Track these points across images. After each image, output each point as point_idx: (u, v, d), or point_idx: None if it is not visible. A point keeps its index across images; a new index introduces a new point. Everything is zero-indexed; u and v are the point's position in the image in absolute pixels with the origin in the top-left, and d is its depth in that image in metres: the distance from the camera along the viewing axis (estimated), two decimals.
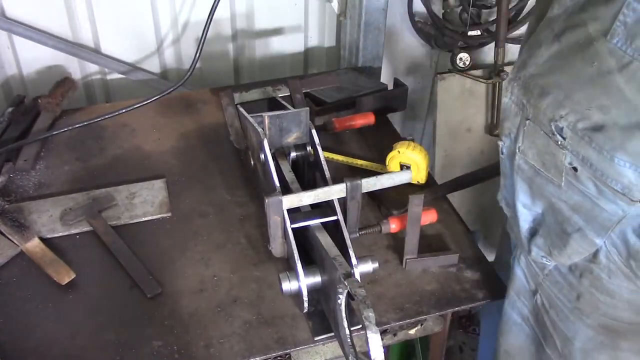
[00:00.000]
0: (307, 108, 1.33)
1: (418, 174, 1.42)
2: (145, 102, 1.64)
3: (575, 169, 0.90)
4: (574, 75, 0.88)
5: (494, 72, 2.06)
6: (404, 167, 1.41)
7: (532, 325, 1.14)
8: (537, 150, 0.96)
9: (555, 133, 0.91)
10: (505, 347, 1.23)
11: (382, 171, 1.44)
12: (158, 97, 1.64)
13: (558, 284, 1.04)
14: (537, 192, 1.01)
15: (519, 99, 0.97)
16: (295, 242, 1.17)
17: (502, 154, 1.05)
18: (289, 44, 2.07)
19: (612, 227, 0.91)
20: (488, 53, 2.15)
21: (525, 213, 1.04)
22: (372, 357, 0.94)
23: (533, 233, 1.05)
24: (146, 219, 1.39)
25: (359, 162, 1.52)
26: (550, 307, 1.07)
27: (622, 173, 0.84)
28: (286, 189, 1.25)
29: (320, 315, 1.17)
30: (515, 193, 1.04)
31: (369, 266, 1.15)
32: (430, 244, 1.33)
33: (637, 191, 0.84)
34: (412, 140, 1.43)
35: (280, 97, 1.63)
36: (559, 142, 0.91)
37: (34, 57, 1.84)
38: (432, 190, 1.45)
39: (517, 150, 1.00)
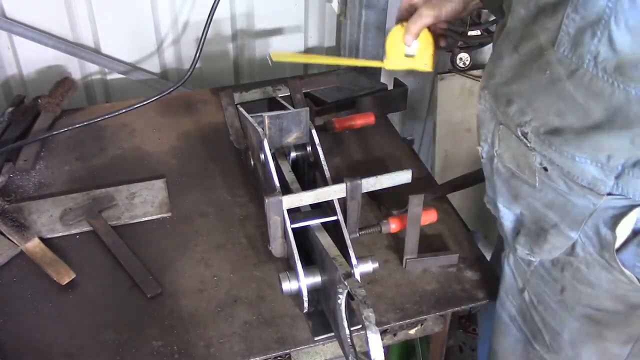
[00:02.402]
0: (307, 108, 1.32)
1: (423, 55, 1.27)
2: (145, 102, 1.64)
3: (545, 168, 0.95)
4: (532, 84, 0.93)
5: None
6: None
7: (519, 325, 1.17)
8: (512, 153, 1.01)
9: (522, 137, 0.97)
10: (494, 347, 1.25)
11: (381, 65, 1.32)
12: (158, 97, 1.64)
13: (543, 279, 1.07)
14: (515, 192, 1.06)
15: (491, 106, 1.03)
16: (295, 242, 1.17)
17: (483, 158, 1.10)
18: (289, 44, 2.07)
19: (585, 220, 0.95)
20: (488, 53, 2.15)
21: (507, 213, 1.09)
22: (372, 357, 0.94)
23: (516, 232, 1.09)
24: (146, 219, 1.39)
25: (353, 62, 1.40)
26: (539, 302, 1.10)
27: (585, 169, 0.90)
28: (286, 189, 1.25)
29: (320, 315, 1.17)
30: (497, 194, 1.09)
31: (369, 266, 1.15)
32: (430, 244, 1.33)
33: (602, 185, 0.90)
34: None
35: (280, 97, 1.63)
36: (528, 145, 0.96)
37: (34, 57, 1.84)
38: (432, 190, 1.45)
39: (494, 154, 1.05)
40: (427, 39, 1.26)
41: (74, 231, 1.35)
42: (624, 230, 0.92)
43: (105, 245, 1.31)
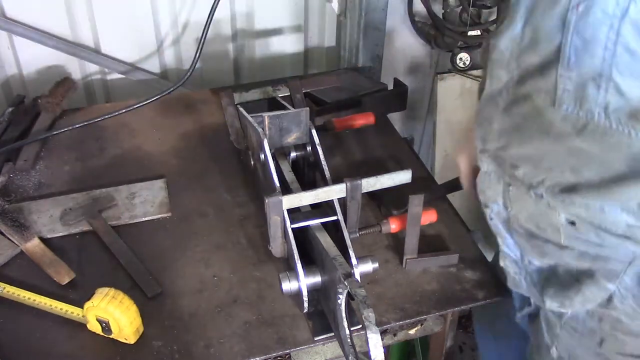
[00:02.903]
0: (307, 108, 1.32)
1: (120, 332, 1.11)
2: (145, 102, 1.64)
3: (573, 222, 0.91)
4: (536, 145, 0.90)
5: None
6: (102, 323, 1.10)
7: None
8: (529, 213, 0.97)
9: (538, 197, 0.93)
10: None
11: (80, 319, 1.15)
12: (158, 97, 1.64)
13: (577, 332, 1.03)
14: (540, 251, 1.01)
15: (496, 168, 0.99)
16: (295, 242, 1.17)
17: (491, 219, 1.06)
18: (289, 44, 2.07)
19: (624, 270, 0.91)
20: None
21: (533, 267, 1.05)
22: (372, 357, 0.94)
23: (544, 285, 1.05)
24: (146, 219, 1.39)
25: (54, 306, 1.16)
26: (570, 357, 1.06)
27: (618, 219, 0.85)
28: (286, 189, 1.25)
29: (320, 315, 1.17)
30: (520, 251, 1.06)
31: (369, 266, 1.15)
32: (430, 244, 1.33)
33: (638, 231, 0.85)
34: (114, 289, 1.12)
35: (280, 97, 1.63)
36: (549, 204, 0.92)
37: (34, 57, 1.84)
38: (432, 190, 1.45)
39: (508, 216, 1.01)
40: None
41: (74, 231, 1.35)
42: None
43: (105, 245, 1.31)
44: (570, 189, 0.88)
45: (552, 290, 1.02)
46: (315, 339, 1.15)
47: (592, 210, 0.87)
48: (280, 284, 1.13)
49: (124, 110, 1.63)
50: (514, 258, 1.09)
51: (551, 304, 1.03)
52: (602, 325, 0.98)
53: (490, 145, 0.99)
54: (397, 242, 1.33)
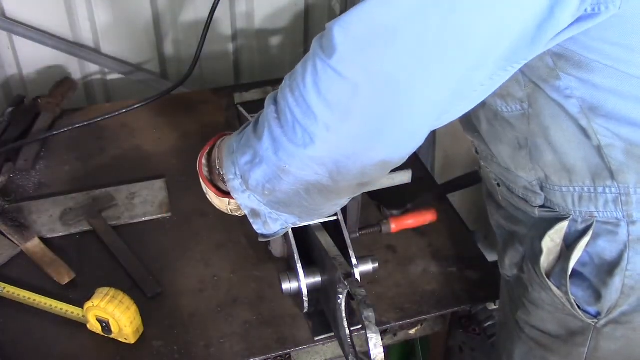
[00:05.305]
0: None
1: (120, 332, 1.11)
2: (145, 102, 1.64)
3: (498, 184, 1.03)
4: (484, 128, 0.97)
5: None
6: (102, 323, 1.10)
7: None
8: (492, 176, 1.06)
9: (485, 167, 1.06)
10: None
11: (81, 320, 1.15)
12: (158, 97, 1.64)
13: (509, 296, 1.07)
14: (490, 212, 1.12)
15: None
16: (295, 242, 1.17)
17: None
18: (289, 44, 2.07)
19: (527, 234, 0.98)
20: None
21: (498, 231, 1.11)
22: (372, 357, 0.94)
23: (505, 247, 1.09)
24: (146, 219, 1.39)
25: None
26: (502, 321, 1.11)
27: (517, 180, 0.96)
28: None
29: (320, 315, 1.17)
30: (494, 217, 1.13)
31: (369, 266, 1.15)
32: (430, 244, 1.33)
33: (533, 197, 0.94)
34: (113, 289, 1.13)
35: None
36: (487, 167, 1.06)
37: (34, 57, 1.83)
38: (432, 190, 1.45)
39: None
40: None
41: (74, 231, 1.35)
42: (552, 245, 0.91)
43: (105, 245, 1.31)
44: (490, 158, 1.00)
45: (501, 252, 1.08)
46: (315, 339, 1.15)
47: (502, 168, 0.96)
48: (280, 284, 1.13)
49: (124, 110, 1.62)
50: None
51: (501, 267, 1.10)
52: (518, 290, 1.02)
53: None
54: (397, 242, 1.33)
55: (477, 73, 0.71)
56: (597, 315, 0.91)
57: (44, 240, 1.32)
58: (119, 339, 1.12)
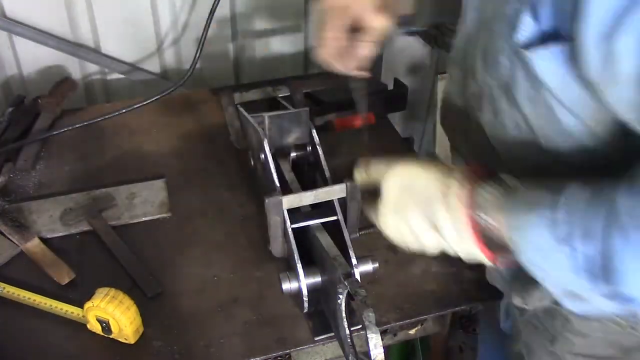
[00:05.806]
0: (307, 108, 1.33)
1: (120, 332, 1.11)
2: (145, 102, 1.64)
3: None
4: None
5: None
6: (102, 323, 1.10)
7: None
8: None
9: None
10: None
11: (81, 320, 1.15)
12: (158, 97, 1.64)
13: (535, 329, 1.04)
14: None
15: None
16: (295, 242, 1.17)
17: None
18: (289, 44, 2.07)
19: None
20: None
21: None
22: (372, 357, 0.94)
23: (511, 280, 1.05)
24: (146, 219, 1.39)
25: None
26: (528, 353, 1.07)
27: None
28: (286, 189, 1.25)
29: (320, 315, 1.17)
30: None
31: (369, 266, 1.15)
32: None
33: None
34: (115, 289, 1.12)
35: (280, 97, 1.63)
36: None
37: (34, 57, 1.83)
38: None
39: None
40: None
41: (74, 231, 1.35)
42: None
43: (105, 245, 1.31)
44: None
45: (518, 285, 1.03)
46: (315, 339, 1.15)
47: None
48: (280, 284, 1.13)
49: (124, 110, 1.63)
50: None
51: (515, 299, 1.05)
52: (555, 323, 0.99)
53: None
54: None
55: None
56: None
57: (44, 240, 1.32)
58: (119, 339, 1.12)
